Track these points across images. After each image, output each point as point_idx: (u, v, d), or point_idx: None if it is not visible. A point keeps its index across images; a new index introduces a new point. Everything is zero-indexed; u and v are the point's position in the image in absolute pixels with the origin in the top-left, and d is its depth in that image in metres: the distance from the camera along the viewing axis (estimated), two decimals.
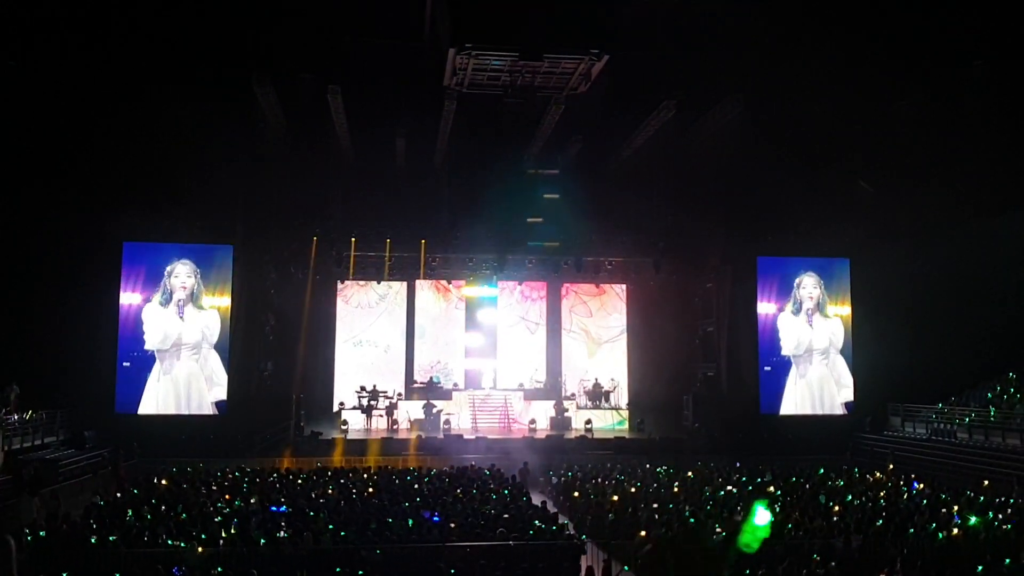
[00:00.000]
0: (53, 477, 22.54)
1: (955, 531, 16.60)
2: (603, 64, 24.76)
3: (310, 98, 27.84)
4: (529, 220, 33.16)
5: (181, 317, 30.21)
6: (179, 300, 30.23)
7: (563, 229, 33.10)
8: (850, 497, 20.48)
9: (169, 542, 15.13)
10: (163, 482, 21.84)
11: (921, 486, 22.35)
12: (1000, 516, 18.11)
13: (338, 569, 13.68)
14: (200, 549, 14.39)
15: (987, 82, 26.00)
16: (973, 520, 17.36)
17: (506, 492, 20.87)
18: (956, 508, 18.85)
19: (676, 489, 21.67)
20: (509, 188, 32.50)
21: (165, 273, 30.23)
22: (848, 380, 33.02)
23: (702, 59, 25.82)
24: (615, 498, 20.25)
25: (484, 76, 25.92)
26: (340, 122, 28.91)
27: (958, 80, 26.47)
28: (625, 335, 37.82)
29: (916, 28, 24.88)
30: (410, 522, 16.76)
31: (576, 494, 21.70)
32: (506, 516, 17.62)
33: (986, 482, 21.50)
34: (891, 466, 25.93)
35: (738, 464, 25.90)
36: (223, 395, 30.15)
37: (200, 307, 30.37)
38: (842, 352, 33.20)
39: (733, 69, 26.63)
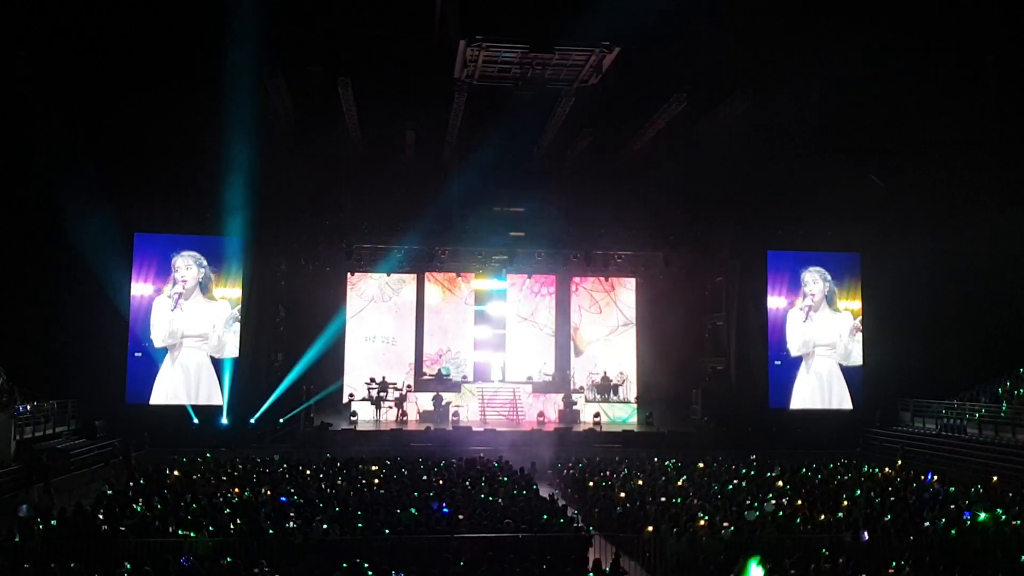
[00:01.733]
0: (63, 466, 22.64)
1: (965, 526, 16.56)
2: (614, 56, 24.72)
3: (320, 90, 27.90)
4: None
5: (182, 309, 30.17)
6: (178, 293, 30.18)
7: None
8: (859, 492, 20.42)
9: (179, 532, 15.20)
10: (174, 472, 21.92)
11: (936, 477, 22.26)
12: (1010, 512, 18.03)
13: (346, 561, 13.69)
14: (209, 537, 14.47)
15: (1000, 76, 25.87)
16: (982, 516, 17.31)
17: (514, 484, 20.88)
18: (966, 503, 18.80)
19: (684, 483, 21.64)
20: (519, 181, 32.57)
21: (172, 266, 30.26)
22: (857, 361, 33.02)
23: (713, 52, 25.74)
24: (623, 494, 20.25)
25: (494, 68, 25.91)
26: (350, 114, 28.93)
27: (971, 74, 26.34)
28: (633, 330, 37.74)
29: (929, 22, 24.77)
30: (413, 511, 16.85)
31: (586, 486, 21.70)
32: (514, 508, 17.64)
33: (995, 478, 21.39)
34: (900, 462, 25.85)
35: (752, 458, 25.85)
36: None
37: (210, 298, 30.40)
38: (850, 347, 33.08)
39: (743, 62, 26.55)
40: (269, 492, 18.98)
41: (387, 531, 15.54)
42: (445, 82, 27.13)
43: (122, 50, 25.42)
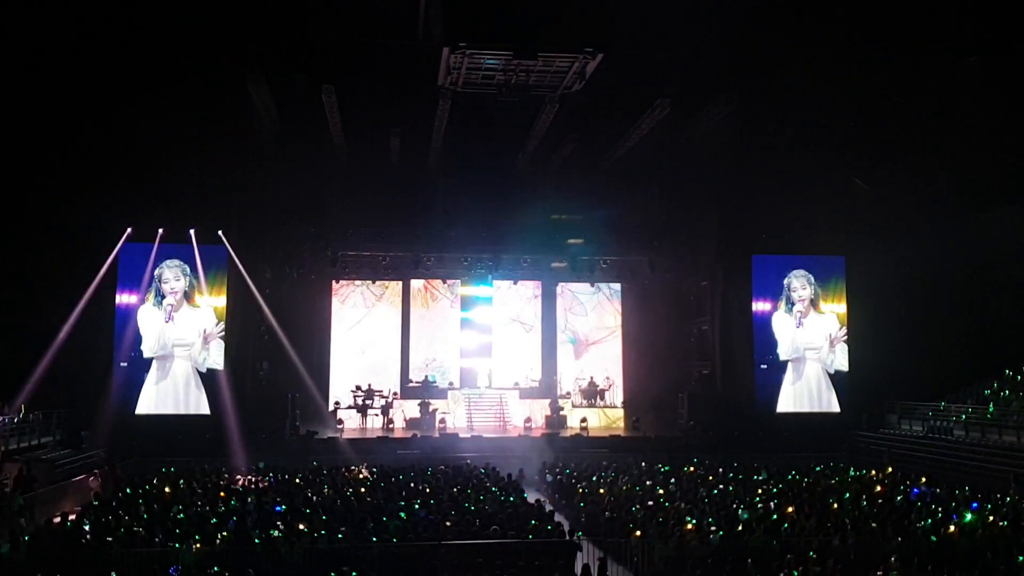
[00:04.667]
0: (49, 477, 22.47)
1: (951, 528, 16.62)
2: (597, 62, 24.75)
3: (304, 97, 27.80)
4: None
5: (172, 320, 29.95)
6: (169, 304, 29.94)
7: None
8: (848, 495, 20.48)
9: (166, 542, 15.11)
10: (160, 482, 21.77)
11: (924, 479, 22.29)
12: (997, 513, 18.12)
13: (333, 569, 13.64)
14: (196, 547, 14.39)
15: (982, 78, 26.05)
16: (969, 517, 17.38)
17: (501, 490, 20.85)
18: (952, 505, 18.88)
19: (671, 487, 21.68)
20: (504, 187, 32.59)
21: (155, 276, 30.01)
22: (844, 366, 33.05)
23: (696, 57, 25.82)
24: (610, 497, 20.27)
25: (478, 75, 25.90)
26: (334, 121, 28.87)
27: (953, 76, 26.50)
28: (619, 334, 37.84)
29: (911, 24, 24.91)
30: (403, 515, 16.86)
31: (573, 492, 21.70)
32: (501, 514, 17.62)
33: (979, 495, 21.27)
34: (890, 469, 25.84)
35: (735, 464, 25.88)
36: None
37: (195, 306, 30.16)
38: (836, 350, 33.13)
39: (727, 66, 26.64)
40: (256, 501, 18.91)
41: (374, 539, 15.51)
42: (429, 89, 27.11)
43: (104, 59, 25.28)
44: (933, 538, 16.08)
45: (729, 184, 31.41)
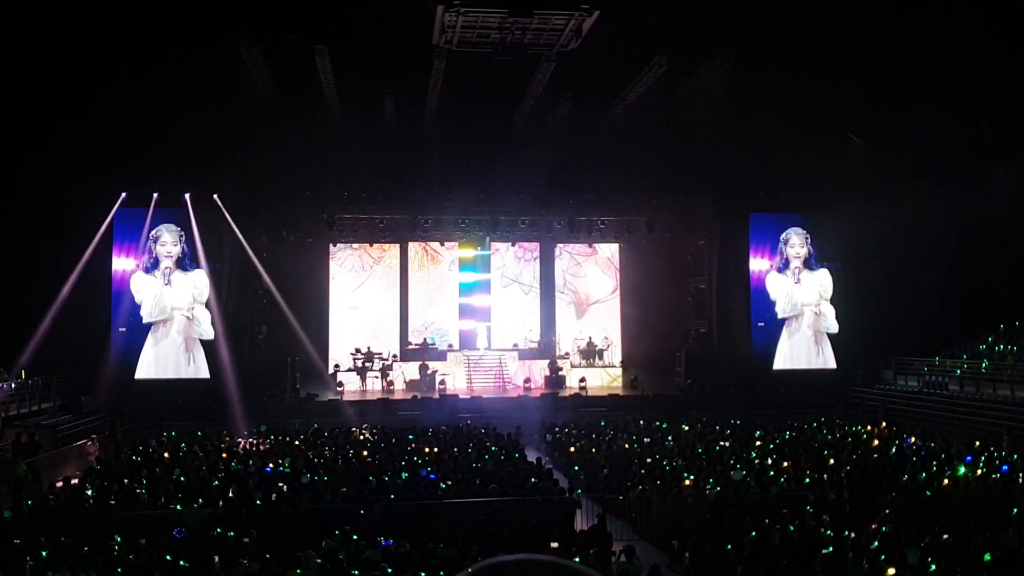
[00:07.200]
0: (50, 442, 22.62)
1: (945, 482, 16.80)
2: (594, 20, 24.58)
3: (298, 59, 27.63)
4: None
5: (169, 283, 29.98)
6: (166, 267, 29.96)
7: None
8: (843, 450, 20.66)
9: (169, 505, 15.26)
10: (161, 446, 21.91)
11: (914, 440, 22.44)
12: (989, 466, 18.28)
13: (336, 529, 13.79)
14: (196, 507, 14.55)
15: (977, 34, 25.90)
16: (962, 471, 17.56)
17: (501, 450, 21.01)
18: (945, 458, 19.07)
19: (669, 444, 21.86)
20: (500, 147, 32.42)
21: (150, 239, 29.98)
22: (834, 328, 33.17)
23: (693, 14, 25.62)
24: (609, 455, 20.43)
25: (473, 34, 25.74)
26: (328, 83, 28.72)
27: (948, 32, 26.34)
28: (618, 294, 37.87)
29: None
30: (404, 475, 17.03)
31: (571, 450, 21.87)
32: (501, 473, 17.78)
33: (977, 443, 21.40)
34: (884, 423, 26.02)
35: (732, 421, 26.06)
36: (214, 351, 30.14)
37: (193, 271, 30.16)
38: (832, 304, 33.22)
39: (723, 23, 26.45)
40: (256, 463, 19.06)
41: (377, 497, 15.66)
42: (424, 48, 26.92)
43: (99, 23, 25.07)
44: (927, 492, 16.29)
45: (726, 142, 31.27)
